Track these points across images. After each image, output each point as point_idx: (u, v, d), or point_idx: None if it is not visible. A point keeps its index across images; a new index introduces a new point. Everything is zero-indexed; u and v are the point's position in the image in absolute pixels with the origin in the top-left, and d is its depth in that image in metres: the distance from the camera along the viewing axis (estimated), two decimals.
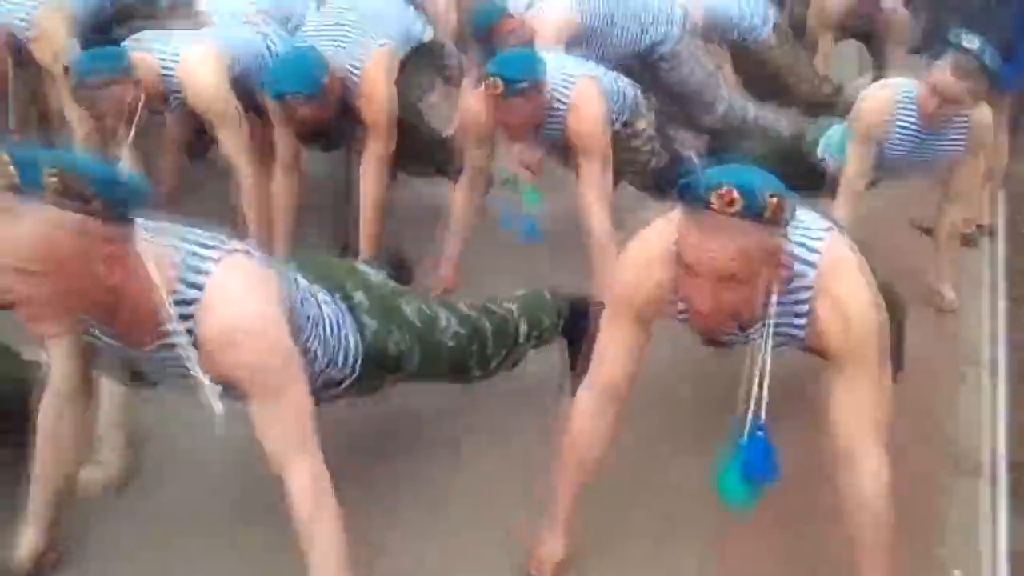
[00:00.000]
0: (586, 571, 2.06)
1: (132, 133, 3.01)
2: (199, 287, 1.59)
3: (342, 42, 3.17)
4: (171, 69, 3.08)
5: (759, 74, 4.41)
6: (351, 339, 2.00)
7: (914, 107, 3.03)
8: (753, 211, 1.55)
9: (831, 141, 3.29)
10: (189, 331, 1.60)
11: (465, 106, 3.10)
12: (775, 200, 1.57)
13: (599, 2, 3.74)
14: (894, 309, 2.49)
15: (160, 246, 1.59)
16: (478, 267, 3.30)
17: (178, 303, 1.59)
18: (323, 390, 1.97)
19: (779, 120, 4.20)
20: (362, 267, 2.23)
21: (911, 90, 3.05)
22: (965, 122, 3.05)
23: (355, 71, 3.12)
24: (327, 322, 1.93)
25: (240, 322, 1.59)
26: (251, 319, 1.60)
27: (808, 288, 1.74)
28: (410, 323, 2.14)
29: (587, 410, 1.93)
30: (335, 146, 3.40)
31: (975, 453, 2.55)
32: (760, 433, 1.74)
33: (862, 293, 1.74)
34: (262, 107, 3.30)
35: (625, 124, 3.20)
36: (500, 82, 2.78)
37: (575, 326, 2.53)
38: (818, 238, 1.77)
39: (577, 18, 3.68)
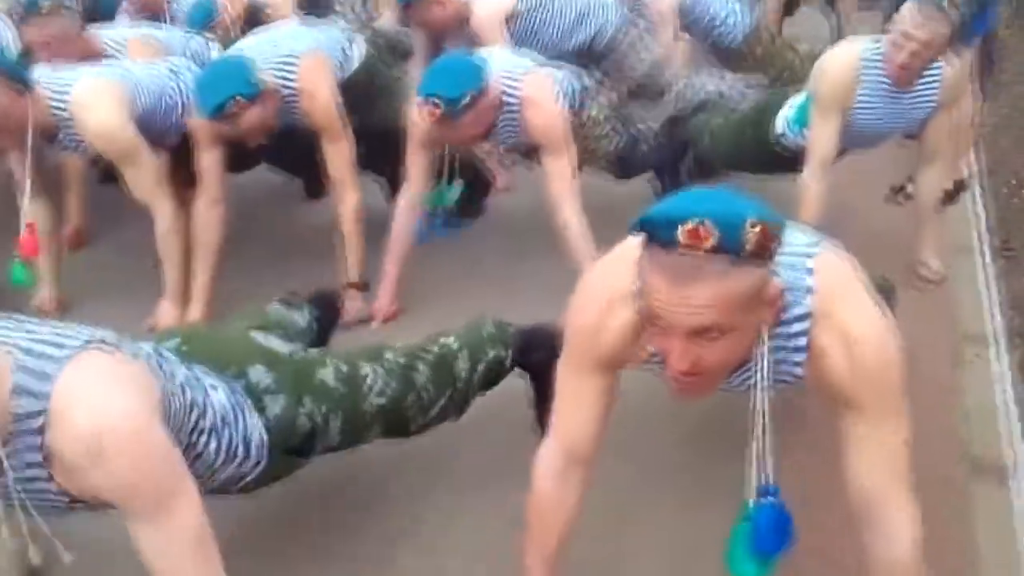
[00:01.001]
0: None
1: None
2: (45, 396, 1.28)
3: (266, 55, 2.91)
4: (63, 107, 2.73)
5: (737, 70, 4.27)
6: (251, 425, 1.69)
7: (880, 65, 2.74)
8: (732, 246, 1.24)
9: (792, 113, 2.99)
10: (39, 447, 1.29)
11: (412, 117, 2.82)
12: (758, 229, 1.25)
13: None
14: (884, 294, 2.27)
15: None
16: (424, 289, 3.02)
17: (19, 417, 1.28)
18: (223, 489, 1.68)
19: (745, 93, 3.96)
20: (260, 337, 1.88)
21: (875, 47, 2.76)
22: (935, 76, 2.77)
23: (289, 78, 2.86)
24: (218, 411, 1.62)
25: (103, 430, 1.29)
26: (117, 424, 1.30)
27: (804, 317, 1.44)
28: (329, 390, 1.83)
29: (549, 475, 1.61)
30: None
31: (991, 450, 2.28)
32: (770, 498, 1.43)
33: (870, 315, 1.44)
34: (170, 145, 3.04)
35: (575, 113, 2.99)
36: (439, 103, 2.58)
37: (531, 357, 2.22)
38: (808, 254, 1.47)
39: (514, 5, 3.59)
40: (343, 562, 2.02)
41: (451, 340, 2.12)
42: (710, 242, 1.23)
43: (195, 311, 2.93)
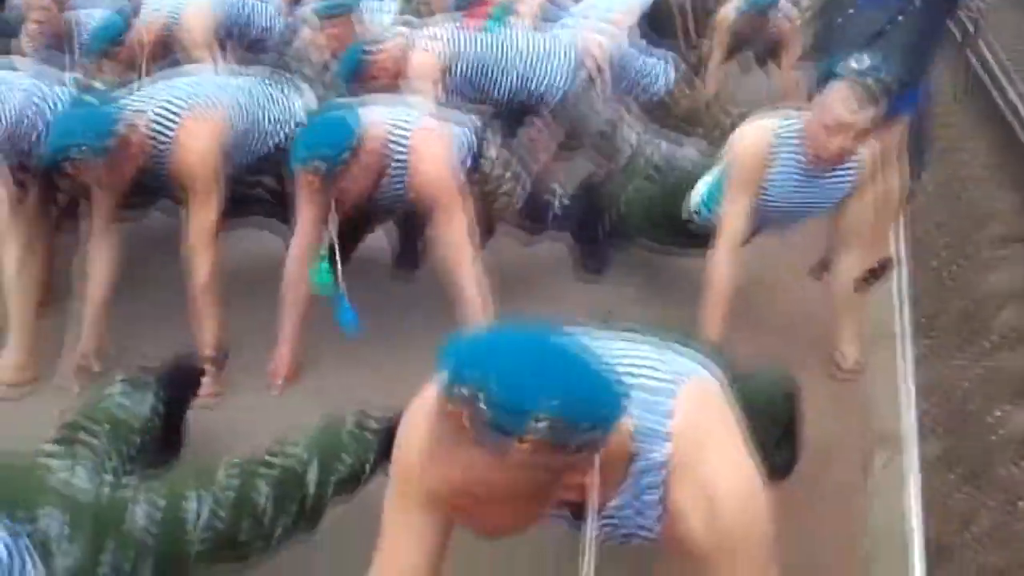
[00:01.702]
0: None
1: None
2: None
3: (155, 98, 2.69)
4: None
5: (664, 125, 4.19)
6: None
7: (796, 144, 2.58)
8: (504, 432, 1.00)
9: (704, 191, 2.83)
10: None
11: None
12: (546, 424, 1.00)
13: (469, 48, 3.57)
14: (786, 401, 2.09)
15: None
16: (324, 347, 2.84)
17: None
18: None
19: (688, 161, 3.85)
20: (63, 470, 1.64)
21: (790, 124, 2.61)
22: (854, 157, 2.61)
23: (167, 129, 2.62)
24: None
25: None
26: None
27: (659, 467, 1.24)
28: (137, 534, 1.60)
29: None
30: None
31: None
32: None
33: (735, 466, 1.24)
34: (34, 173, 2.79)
35: (471, 170, 2.81)
36: (320, 166, 2.45)
37: None
38: (670, 391, 1.27)
39: (443, 62, 3.52)
40: None
41: (300, 449, 1.90)
42: (480, 419, 1.01)
43: (87, 343, 2.74)
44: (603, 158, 3.89)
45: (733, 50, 5.21)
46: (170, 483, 1.72)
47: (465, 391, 1.00)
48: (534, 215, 3.19)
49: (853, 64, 2.47)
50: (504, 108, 3.90)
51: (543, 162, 3.95)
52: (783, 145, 2.59)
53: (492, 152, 2.91)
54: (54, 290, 3.09)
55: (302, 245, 2.70)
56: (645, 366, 1.31)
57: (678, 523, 1.24)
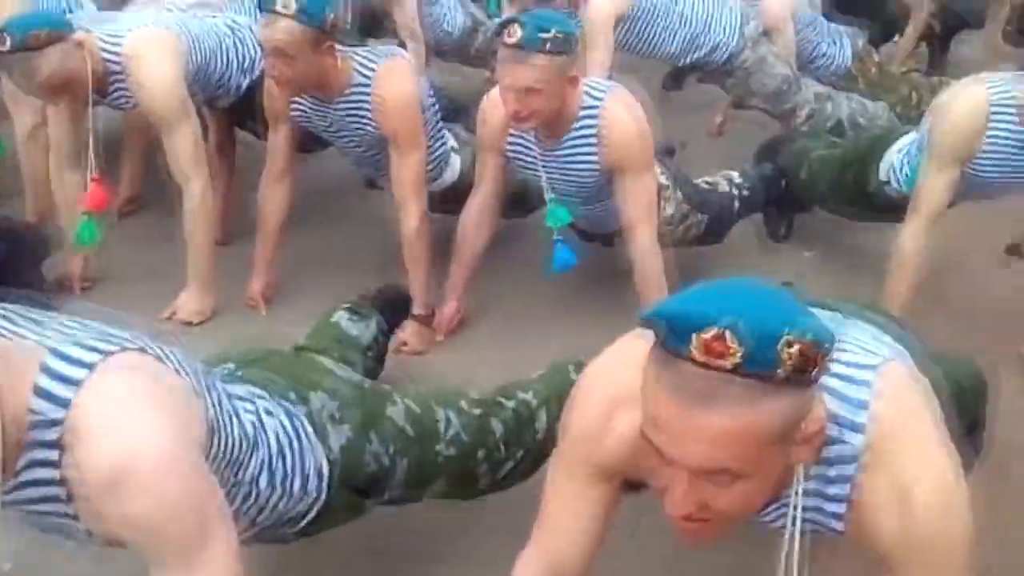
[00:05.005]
0: None
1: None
2: (66, 403, 1.07)
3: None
4: (116, 54, 2.57)
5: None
6: (310, 456, 1.50)
7: (1014, 111, 2.36)
8: (760, 366, 0.96)
9: (898, 160, 2.63)
10: (55, 464, 1.08)
11: (482, 112, 2.61)
12: (796, 348, 0.97)
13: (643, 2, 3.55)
14: (975, 393, 1.95)
15: (10, 342, 1.09)
16: (493, 298, 2.88)
17: (37, 425, 1.07)
18: (274, 529, 1.50)
19: (878, 119, 3.69)
20: (327, 361, 1.72)
21: (1006, 90, 2.38)
22: None
23: (367, 74, 2.59)
24: (272, 441, 1.43)
25: (129, 460, 1.07)
26: (147, 455, 1.07)
27: (849, 460, 1.15)
28: (397, 430, 1.65)
29: None
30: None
31: None
32: None
33: (936, 466, 1.14)
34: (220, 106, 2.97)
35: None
36: None
37: None
38: (864, 380, 1.17)
39: (618, 10, 3.48)
40: None
41: (530, 395, 1.91)
42: (732, 359, 0.96)
43: (256, 285, 2.81)
44: (779, 119, 3.76)
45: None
46: (418, 394, 1.77)
47: (710, 334, 0.95)
48: (719, 229, 3.05)
49: None
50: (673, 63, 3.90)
51: None
52: (999, 112, 2.37)
53: (670, 210, 2.79)
54: (234, 229, 3.18)
55: (481, 198, 2.67)
56: (845, 344, 1.20)
57: (867, 520, 1.15)
